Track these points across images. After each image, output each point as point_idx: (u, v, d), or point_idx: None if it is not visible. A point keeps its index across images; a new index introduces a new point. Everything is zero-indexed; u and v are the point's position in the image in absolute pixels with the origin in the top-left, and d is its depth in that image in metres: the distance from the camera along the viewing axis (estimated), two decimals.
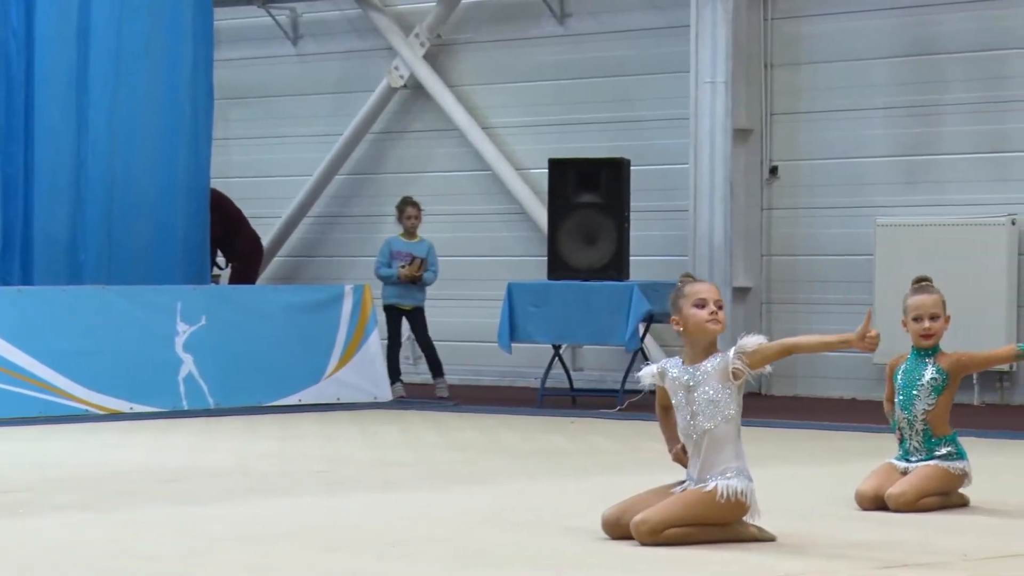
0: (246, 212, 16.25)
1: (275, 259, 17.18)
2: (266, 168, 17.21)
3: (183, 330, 12.85)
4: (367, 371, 13.59)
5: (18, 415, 11.86)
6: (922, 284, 7.75)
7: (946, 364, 7.64)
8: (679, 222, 14.91)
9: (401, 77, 16.38)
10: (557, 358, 13.91)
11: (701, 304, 6.61)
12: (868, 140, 14.37)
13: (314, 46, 17.13)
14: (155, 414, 12.38)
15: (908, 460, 7.68)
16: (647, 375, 6.77)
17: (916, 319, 7.65)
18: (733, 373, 6.53)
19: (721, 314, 6.61)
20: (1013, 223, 13.65)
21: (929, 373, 7.64)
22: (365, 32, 16.77)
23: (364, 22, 16.72)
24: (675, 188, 14.94)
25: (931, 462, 7.61)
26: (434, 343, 14.33)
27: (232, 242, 15.18)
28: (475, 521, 7.25)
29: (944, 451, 7.64)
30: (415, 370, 15.29)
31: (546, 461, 9.85)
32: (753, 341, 6.57)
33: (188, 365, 12.80)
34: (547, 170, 14.03)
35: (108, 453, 10.13)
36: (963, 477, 7.65)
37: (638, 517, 6.51)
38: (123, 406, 12.41)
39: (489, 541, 6.69)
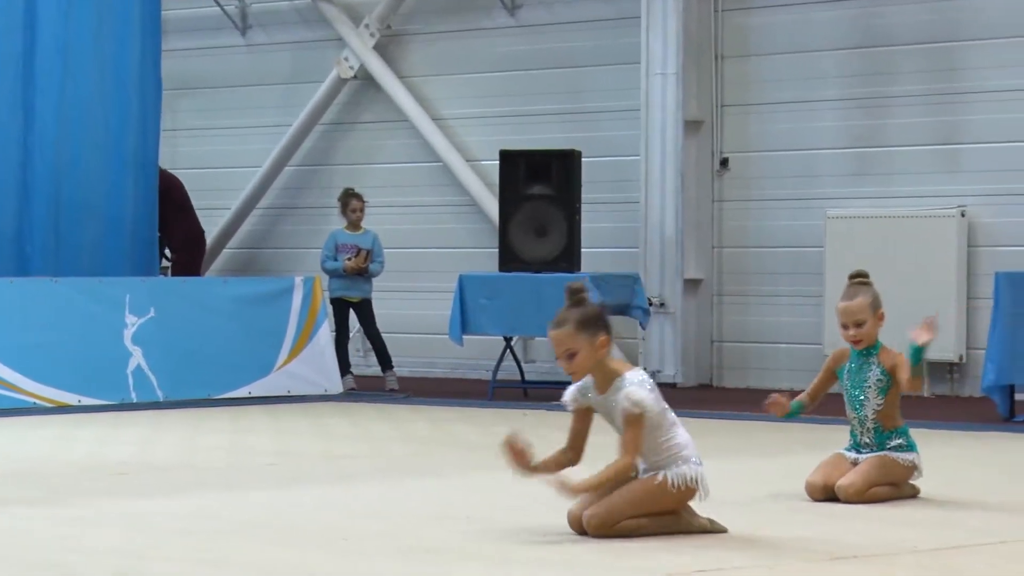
0: (195, 204, 16.15)
1: (224, 251, 17.12)
2: (215, 159, 17.14)
3: (132, 322, 12.79)
4: (317, 363, 13.56)
5: None
6: (852, 284, 7.69)
7: (888, 363, 7.63)
8: (630, 214, 14.94)
9: (351, 68, 16.34)
10: (509, 350, 13.92)
11: (557, 356, 6.55)
12: (818, 132, 14.42)
13: (263, 36, 17.07)
14: (104, 407, 12.32)
15: (859, 452, 7.70)
16: (568, 399, 6.67)
17: (843, 326, 7.66)
18: (626, 419, 6.47)
19: (574, 363, 6.45)
20: (963, 215, 13.73)
21: (874, 375, 7.65)
22: (314, 23, 16.73)
23: (313, 12, 16.67)
24: (626, 180, 14.96)
25: (881, 452, 7.64)
26: (384, 336, 14.31)
27: (174, 229, 15.02)
28: (425, 515, 7.24)
29: (895, 443, 7.67)
30: (365, 362, 15.27)
31: (498, 454, 9.83)
32: (637, 402, 6.41)
33: (137, 358, 12.75)
34: (498, 162, 14.02)
35: (56, 446, 10.08)
36: (912, 469, 7.68)
37: (589, 511, 6.51)
38: (71, 399, 12.34)
39: (439, 535, 6.68)
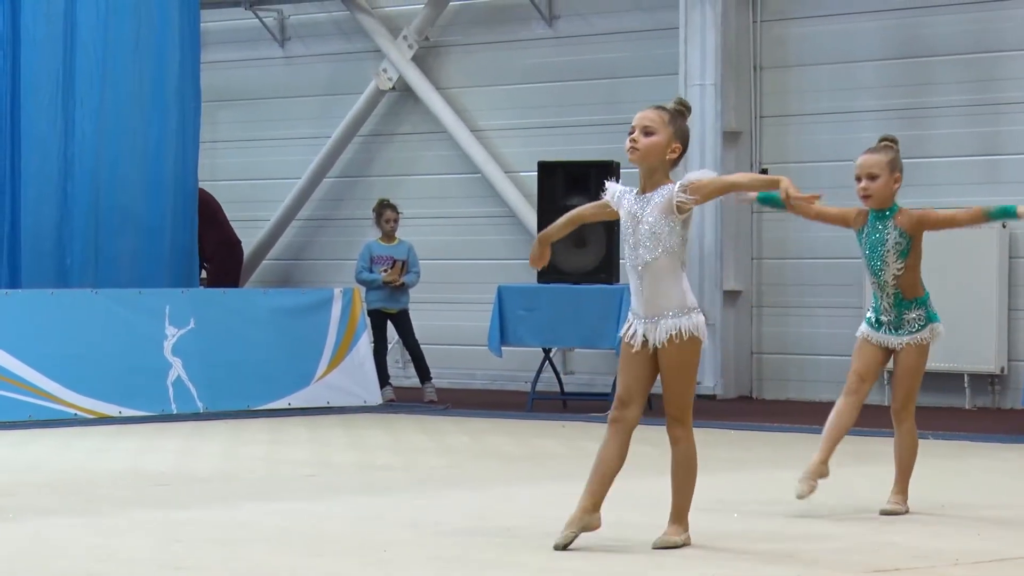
0: (235, 215, 16.22)
1: (264, 262, 17.16)
2: (254, 171, 17.18)
3: (172, 334, 12.81)
4: (356, 375, 13.56)
5: (5, 419, 11.84)
6: (877, 144, 7.65)
7: (906, 224, 7.51)
8: None
9: (389, 79, 16.36)
10: (547, 362, 13.89)
11: (630, 130, 6.62)
12: (858, 143, 14.25)
13: (302, 48, 17.10)
14: (143, 418, 12.34)
15: (879, 328, 7.57)
16: (610, 190, 6.71)
17: (856, 179, 7.57)
18: (677, 206, 6.49)
19: (643, 141, 6.52)
20: (1004, 226, 13.64)
21: (892, 237, 7.52)
22: (353, 34, 16.75)
23: (352, 24, 16.70)
24: None
25: (904, 340, 7.50)
26: (423, 347, 14.30)
27: (205, 240, 15.06)
28: (463, 526, 7.22)
29: (911, 316, 7.56)
30: (404, 374, 15.26)
31: (536, 465, 9.83)
32: (697, 175, 6.51)
33: (177, 369, 12.77)
34: (536, 173, 14.01)
35: (96, 457, 10.10)
36: (930, 342, 7.57)
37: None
38: (111, 410, 12.37)
39: (474, 547, 6.65)
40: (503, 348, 13.67)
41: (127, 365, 12.54)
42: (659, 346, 6.54)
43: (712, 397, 14.59)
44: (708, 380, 14.69)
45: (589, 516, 6.45)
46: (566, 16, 15.66)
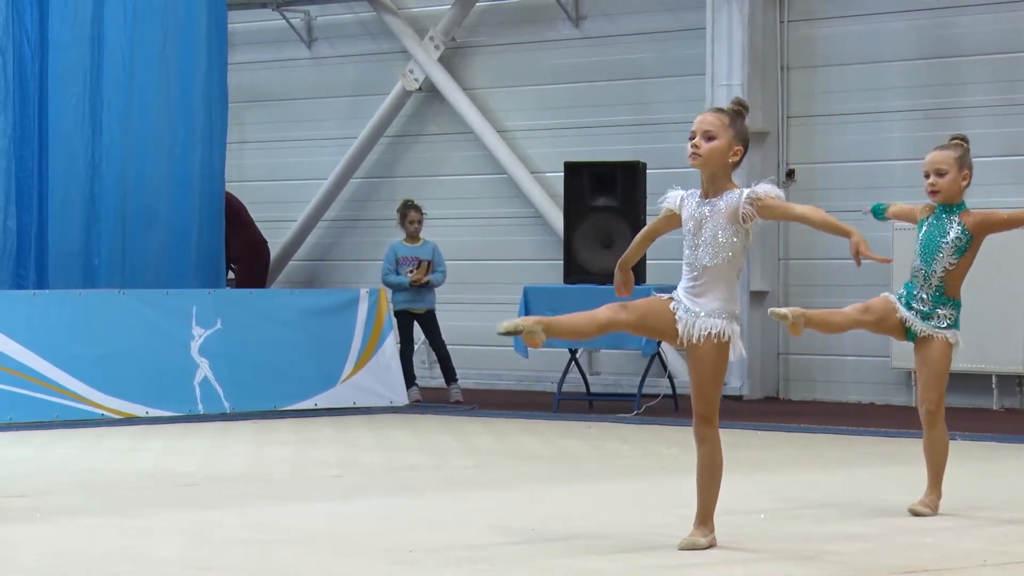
0: (262, 216, 16.25)
1: (290, 263, 17.19)
2: (281, 172, 17.22)
3: (199, 334, 12.84)
4: (383, 375, 13.57)
5: (34, 419, 11.88)
6: (947, 142, 7.66)
7: (971, 223, 7.52)
8: None
9: (416, 80, 16.37)
10: (574, 362, 13.89)
11: (691, 135, 6.56)
12: (885, 143, 14.33)
13: (328, 49, 17.13)
14: (171, 418, 12.38)
15: (911, 305, 7.53)
16: (671, 197, 6.66)
17: (925, 175, 7.59)
18: (742, 217, 6.46)
19: (704, 146, 6.46)
20: None
21: (954, 232, 7.52)
22: (379, 35, 16.77)
23: (378, 25, 16.72)
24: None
25: (930, 329, 7.46)
26: (450, 347, 14.31)
27: (231, 242, 15.09)
28: (489, 526, 7.22)
29: (944, 312, 7.51)
30: (430, 374, 15.27)
31: (563, 466, 9.82)
32: (765, 190, 6.45)
33: (204, 369, 12.80)
34: (563, 173, 14.01)
35: (123, 458, 10.13)
36: (954, 343, 7.54)
37: None
38: (139, 410, 12.41)
39: (500, 547, 6.65)
40: (529, 349, 13.66)
41: (154, 366, 12.57)
42: (696, 342, 6.51)
43: (739, 398, 14.57)
44: (735, 381, 14.67)
45: (542, 327, 6.65)
46: (593, 16, 15.65)
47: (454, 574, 6.06)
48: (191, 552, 6.49)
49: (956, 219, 7.52)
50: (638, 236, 6.94)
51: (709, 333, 6.50)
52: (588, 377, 14.32)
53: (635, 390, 13.50)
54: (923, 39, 14.21)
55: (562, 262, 13.95)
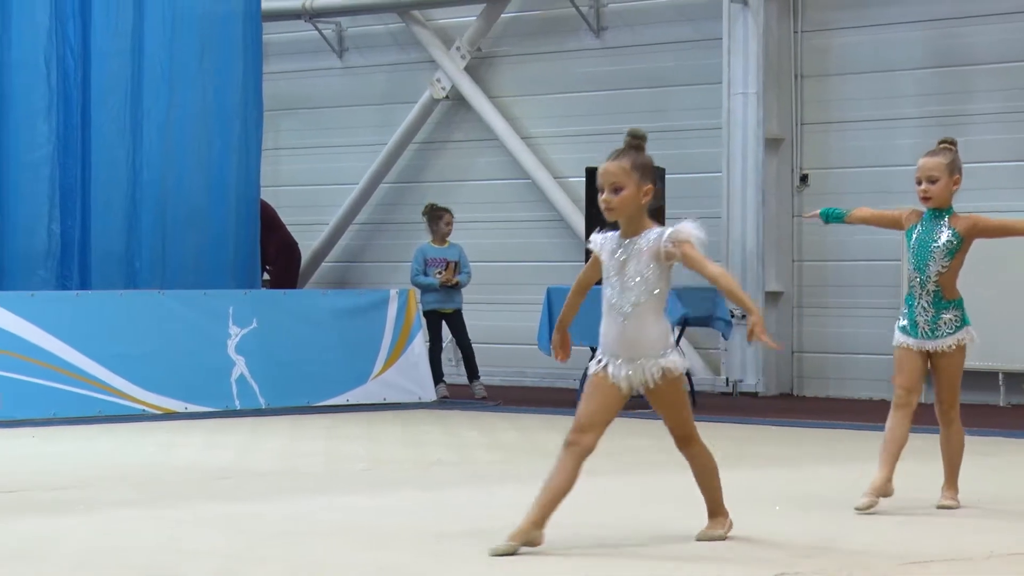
0: (295, 219, 16.29)
1: (323, 264, 17.22)
2: (314, 177, 17.25)
3: (235, 333, 12.88)
4: (412, 373, 13.59)
5: (77, 414, 11.93)
6: (937, 146, 7.58)
7: (961, 227, 7.44)
8: (712, 228, 14.81)
9: (443, 89, 16.39)
10: None
11: (600, 188, 6.33)
12: (896, 149, 14.31)
13: (359, 59, 17.16)
14: (208, 414, 12.41)
15: (915, 325, 7.45)
16: (594, 241, 6.45)
17: (917, 181, 7.50)
18: (665, 255, 6.26)
19: (615, 199, 6.24)
20: None
21: (945, 236, 7.43)
22: (408, 45, 16.79)
23: (407, 36, 16.74)
24: (709, 195, 14.91)
25: (945, 342, 7.41)
26: (475, 346, 14.32)
27: (266, 245, 15.14)
28: (514, 520, 7.21)
29: (948, 317, 7.46)
30: (457, 372, 15.28)
31: (585, 461, 9.81)
32: (688, 232, 6.22)
33: (240, 367, 12.83)
34: (584, 178, 14.01)
35: (162, 452, 10.16)
36: (968, 344, 7.50)
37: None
38: (178, 406, 12.45)
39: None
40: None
41: (192, 363, 12.61)
42: (651, 386, 6.33)
43: (754, 395, 14.56)
44: (750, 378, 14.66)
45: (535, 531, 6.21)
46: (614, 27, 15.66)
47: (481, 566, 6.07)
48: (227, 543, 6.51)
49: (946, 223, 7.46)
50: (571, 292, 6.63)
51: (663, 374, 6.32)
52: None
53: None
54: (933, 48, 14.18)
55: (583, 264, 13.93)
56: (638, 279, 6.31)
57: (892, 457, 7.40)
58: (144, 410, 12.30)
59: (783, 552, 6.37)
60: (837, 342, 14.50)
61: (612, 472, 9.25)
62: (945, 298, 7.47)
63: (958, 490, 7.56)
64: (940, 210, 7.48)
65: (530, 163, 15.89)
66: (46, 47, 13.12)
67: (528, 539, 6.19)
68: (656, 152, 14.87)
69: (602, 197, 6.31)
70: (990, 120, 13.93)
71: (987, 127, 13.94)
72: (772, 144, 14.69)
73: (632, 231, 6.34)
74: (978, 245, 14.16)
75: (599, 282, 6.63)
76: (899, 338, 7.53)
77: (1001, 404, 13.58)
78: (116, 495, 8.04)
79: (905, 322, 7.53)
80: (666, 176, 13.92)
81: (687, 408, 6.46)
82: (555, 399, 14.24)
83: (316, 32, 17.14)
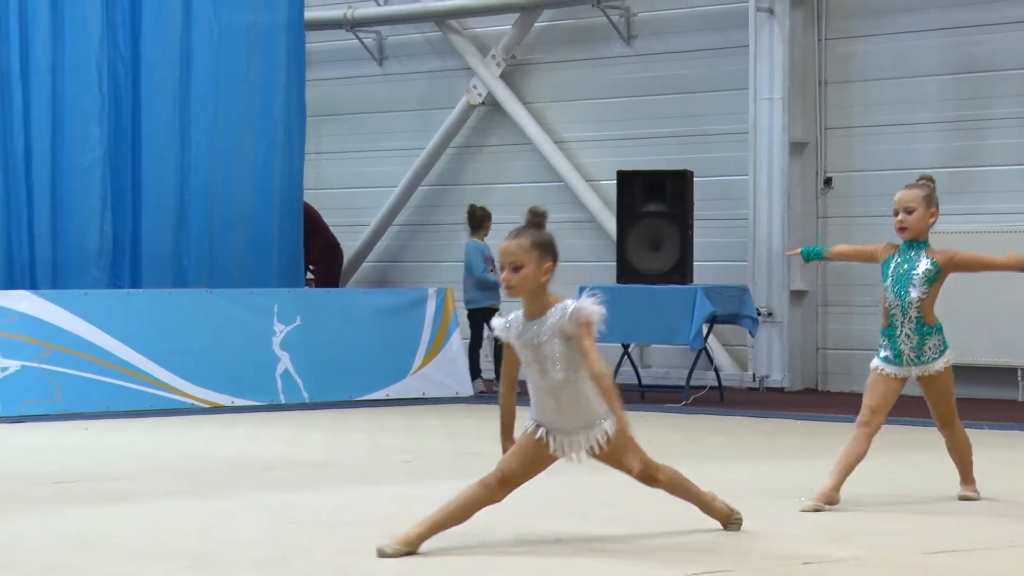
0: (337, 220, 16.31)
1: (363, 264, 17.23)
2: (355, 180, 17.27)
3: (280, 330, 12.90)
4: (449, 368, 13.59)
5: (129, 408, 11.97)
6: (914, 182, 7.49)
7: (939, 258, 7.33)
8: (739, 229, 14.84)
9: (479, 95, 16.39)
10: (626, 356, 13.87)
11: (500, 267, 6.09)
12: (917, 152, 14.25)
13: (398, 66, 17.17)
14: (254, 407, 12.44)
15: (899, 354, 7.33)
16: (498, 327, 6.15)
17: (894, 212, 7.41)
18: (566, 335, 5.98)
19: (514, 278, 5.97)
20: None
21: (923, 265, 7.32)
22: (445, 53, 16.80)
23: (444, 44, 16.74)
24: (735, 198, 14.87)
25: (933, 366, 7.31)
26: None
27: (310, 246, 15.16)
28: (549, 510, 7.22)
29: (933, 341, 7.34)
30: (492, 367, 15.27)
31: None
32: (586, 314, 5.94)
33: (285, 362, 12.86)
34: (615, 181, 13.99)
35: (210, 444, 10.18)
36: (950, 364, 7.40)
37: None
38: (225, 400, 12.48)
39: (561, 529, 6.65)
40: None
41: (239, 359, 12.64)
42: (598, 452, 6.11)
43: (780, 390, 14.52)
44: (776, 374, 14.62)
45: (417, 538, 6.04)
46: (643, 35, 15.63)
47: (519, 553, 6.06)
48: (273, 533, 6.52)
49: (923, 253, 7.35)
50: (503, 391, 6.28)
51: (607, 438, 6.10)
52: (640, 370, 14.30)
53: (683, 382, 13.48)
54: (952, 55, 14.12)
55: (615, 263, 13.93)
56: (557, 357, 6.02)
57: (844, 470, 7.26)
58: (192, 404, 12.33)
59: (804, 542, 6.35)
60: (860, 339, 14.44)
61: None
62: (927, 324, 7.34)
63: (975, 482, 7.52)
64: (917, 242, 7.37)
65: (563, 166, 15.87)
66: (98, 55, 13.17)
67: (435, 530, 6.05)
68: (685, 156, 14.93)
69: (502, 276, 6.05)
70: (1008, 124, 13.85)
71: (1005, 131, 13.87)
72: (797, 148, 14.64)
73: (536, 311, 6.05)
74: (994, 244, 14.08)
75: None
76: (878, 364, 7.40)
77: (1020, 399, 13.51)
78: (166, 485, 8.06)
79: (887, 353, 7.39)
80: (694, 179, 13.90)
81: (636, 451, 6.19)
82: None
83: (357, 41, 17.15)
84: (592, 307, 6.02)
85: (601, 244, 15.55)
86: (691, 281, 13.59)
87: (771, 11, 14.55)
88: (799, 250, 7.85)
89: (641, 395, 13.91)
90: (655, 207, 13.73)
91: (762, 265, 14.59)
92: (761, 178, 14.61)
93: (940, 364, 7.36)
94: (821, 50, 14.67)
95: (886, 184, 14.37)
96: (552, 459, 6.18)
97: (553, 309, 6.04)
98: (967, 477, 7.51)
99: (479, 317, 14.14)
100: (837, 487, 7.23)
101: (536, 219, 6.19)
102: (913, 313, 7.33)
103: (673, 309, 13.29)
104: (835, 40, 14.65)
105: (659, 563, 5.89)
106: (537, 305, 6.06)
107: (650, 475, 6.28)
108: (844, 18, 14.61)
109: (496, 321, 6.22)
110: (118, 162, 13.30)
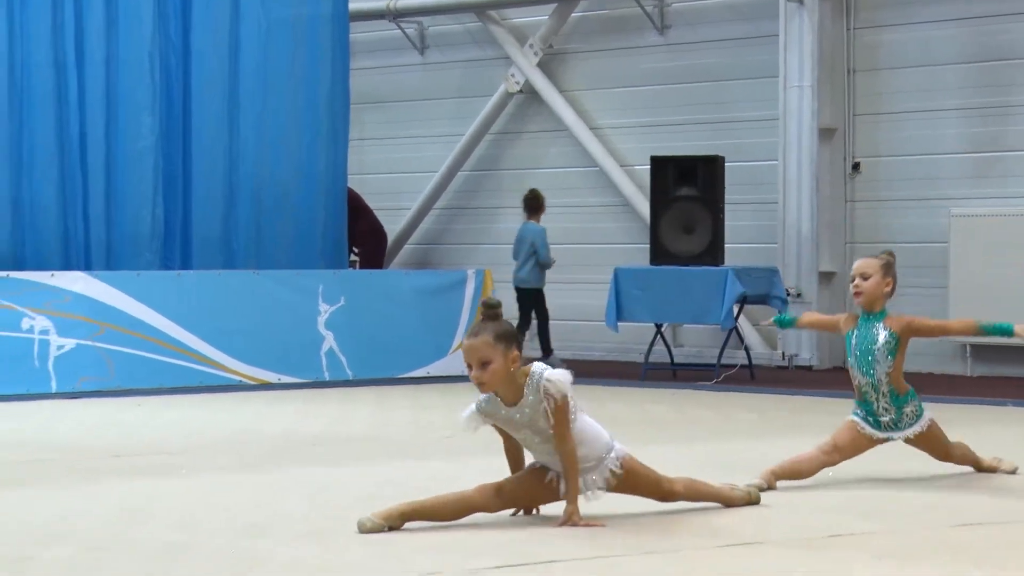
0: (380, 205, 16.31)
1: (405, 247, 17.23)
2: (397, 165, 17.25)
3: (324, 310, 12.91)
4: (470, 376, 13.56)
5: (180, 385, 11.99)
6: (875, 254, 7.33)
7: (896, 327, 7.12)
8: (769, 213, 14.77)
9: (517, 83, 16.34)
10: (659, 336, 13.82)
11: (467, 366, 5.88)
12: (942, 138, 14.15)
13: (439, 56, 17.13)
14: (300, 384, 12.45)
15: (880, 428, 7.19)
16: (466, 420, 6.04)
17: (851, 279, 7.25)
18: (547, 412, 5.90)
19: (484, 374, 5.83)
20: None
21: (882, 337, 7.12)
22: (484, 43, 16.75)
23: (484, 34, 16.70)
24: (765, 182, 14.80)
25: (913, 430, 7.16)
26: (551, 322, 14.39)
27: (354, 230, 15.15)
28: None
29: (910, 408, 7.18)
30: (531, 346, 15.24)
31: (649, 429, 9.77)
32: (559, 389, 5.88)
33: (329, 341, 12.86)
34: (649, 166, 13.94)
35: (257, 420, 10.19)
36: (932, 425, 7.25)
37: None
38: (272, 377, 12.49)
39: (592, 507, 6.61)
40: (619, 324, 13.63)
41: (285, 338, 12.65)
42: (610, 486, 6.05)
43: (808, 368, 14.45)
44: (805, 353, 14.55)
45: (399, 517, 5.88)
46: (676, 25, 15.55)
47: (550, 525, 6.03)
48: (316, 505, 6.51)
49: (881, 325, 7.13)
50: (509, 458, 6.16)
51: (611, 472, 6.04)
52: (672, 349, 14.26)
53: (715, 361, 13.42)
54: (976, 44, 14.00)
55: (648, 246, 13.88)
56: (549, 432, 5.93)
57: (788, 471, 7.01)
58: (240, 381, 12.34)
59: (834, 514, 6.30)
60: None
61: (688, 439, 9.20)
62: (899, 393, 7.17)
63: (995, 458, 7.44)
64: (875, 313, 7.17)
65: (598, 152, 15.82)
66: (150, 46, 13.17)
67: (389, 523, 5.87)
68: (716, 142, 14.87)
69: (472, 374, 5.89)
70: None
71: None
72: (825, 134, 14.55)
73: (512, 398, 5.94)
74: (1017, 236, 13.95)
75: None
76: (856, 420, 7.19)
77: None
78: (215, 460, 8.06)
79: (867, 416, 7.20)
80: (725, 164, 13.83)
81: (652, 478, 6.16)
82: (621, 372, 14.19)
83: (399, 31, 17.13)
84: (560, 380, 5.92)
85: (635, 227, 15.49)
86: (722, 263, 13.52)
87: (801, 2, 14.46)
88: (772, 320, 7.74)
89: (673, 373, 13.86)
90: (687, 191, 13.67)
91: (791, 247, 14.51)
92: (791, 163, 14.52)
93: (920, 427, 7.19)
94: (849, 39, 14.57)
95: (912, 168, 14.30)
96: (555, 498, 6.06)
97: (527, 387, 5.92)
98: (985, 464, 7.42)
99: (531, 296, 14.14)
100: (775, 473, 6.95)
101: (491, 312, 5.97)
102: (884, 388, 7.15)
103: (704, 290, 13.23)
104: (862, 29, 14.55)
105: (686, 536, 5.85)
106: (512, 391, 5.94)
107: (667, 491, 6.23)
108: (871, 8, 14.51)
109: (463, 416, 6.07)
110: (169, 150, 13.32)
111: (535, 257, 14.19)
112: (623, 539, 5.74)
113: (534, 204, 14.37)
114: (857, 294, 7.19)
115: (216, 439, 9.07)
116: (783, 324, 7.74)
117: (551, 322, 14.42)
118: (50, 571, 5.12)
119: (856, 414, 7.23)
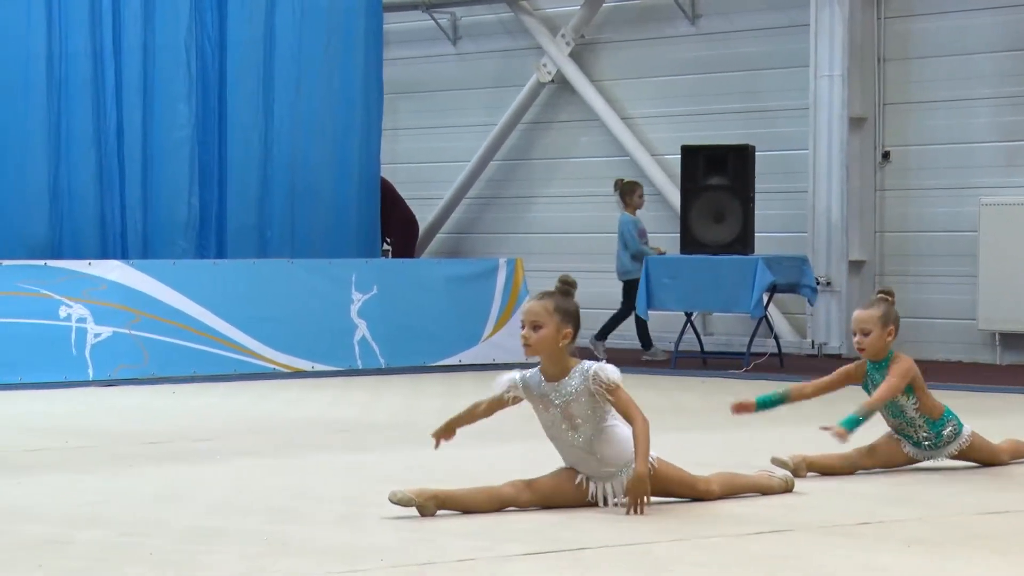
0: (412, 194, 16.32)
1: (437, 236, 17.24)
2: (430, 155, 17.26)
3: (357, 298, 12.93)
4: (519, 335, 13.54)
5: (215, 372, 12.03)
6: (874, 297, 7.27)
7: (900, 369, 7.07)
8: (799, 202, 14.73)
9: (549, 73, 16.33)
10: (689, 324, 13.80)
11: (521, 324, 6.01)
12: (973, 127, 14.07)
13: (472, 46, 17.13)
14: (333, 372, 12.47)
15: (920, 445, 7.13)
16: (504, 381, 6.09)
17: (853, 333, 7.21)
18: (595, 394, 5.92)
19: (533, 336, 5.93)
20: None
21: None
22: (517, 33, 16.74)
23: (516, 24, 16.69)
24: (796, 171, 14.75)
25: (951, 449, 7.11)
26: (582, 311, 14.27)
27: (387, 219, 15.17)
28: None
29: (948, 429, 7.14)
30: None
31: (680, 416, 9.77)
32: (608, 375, 5.90)
33: (362, 329, 12.88)
34: (680, 156, 13.91)
35: (291, 407, 10.22)
36: (973, 438, 7.20)
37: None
38: (305, 365, 12.52)
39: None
40: (650, 312, 13.61)
41: (318, 326, 12.67)
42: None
43: (838, 356, 14.41)
44: (834, 340, 14.51)
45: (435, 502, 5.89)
46: (708, 15, 15.51)
47: (585, 510, 6.03)
48: (348, 489, 6.53)
49: (888, 370, 7.08)
50: (469, 410, 6.27)
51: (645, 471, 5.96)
52: (702, 337, 14.23)
53: (744, 349, 13.40)
54: (1007, 32, 13.92)
55: (679, 235, 13.86)
56: (589, 414, 5.95)
57: (821, 459, 6.98)
58: (274, 369, 12.38)
59: (864, 500, 6.29)
60: (916, 307, 14.29)
61: (717, 426, 9.19)
62: (935, 419, 7.13)
63: None
64: (880, 361, 7.13)
65: (629, 142, 15.80)
66: (186, 36, 13.21)
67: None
68: (747, 131, 14.82)
69: (521, 333, 6.01)
70: None
71: None
72: (856, 123, 14.49)
73: (557, 373, 5.99)
74: None
75: (486, 414, 6.23)
76: (901, 438, 7.15)
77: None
78: (249, 446, 8.10)
79: (909, 438, 7.17)
80: (756, 153, 13.79)
81: (683, 479, 6.16)
82: (651, 360, 14.16)
83: (432, 21, 17.13)
84: (611, 369, 5.97)
85: (665, 216, 15.47)
86: (752, 252, 13.49)
87: None
88: (753, 402, 7.29)
89: (703, 361, 13.84)
90: (718, 180, 13.64)
91: (821, 236, 14.47)
92: (821, 152, 14.48)
93: (960, 444, 7.14)
94: (879, 28, 14.51)
95: (942, 157, 14.23)
96: (583, 501, 6.05)
97: (574, 371, 5.98)
98: None
99: (635, 287, 14.08)
100: (809, 462, 6.92)
101: (564, 287, 6.08)
102: (919, 421, 7.12)
103: (734, 279, 13.20)
104: (893, 19, 14.48)
105: (716, 523, 5.85)
106: (558, 367, 5.99)
107: (704, 491, 6.20)
108: None
109: (504, 377, 6.10)
110: (205, 139, 13.36)
111: (628, 248, 14.14)
112: (652, 525, 5.75)
113: (622, 194, 14.31)
114: (860, 349, 7.16)
115: (249, 426, 9.10)
116: (763, 405, 7.27)
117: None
118: (87, 553, 5.16)
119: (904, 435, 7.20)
